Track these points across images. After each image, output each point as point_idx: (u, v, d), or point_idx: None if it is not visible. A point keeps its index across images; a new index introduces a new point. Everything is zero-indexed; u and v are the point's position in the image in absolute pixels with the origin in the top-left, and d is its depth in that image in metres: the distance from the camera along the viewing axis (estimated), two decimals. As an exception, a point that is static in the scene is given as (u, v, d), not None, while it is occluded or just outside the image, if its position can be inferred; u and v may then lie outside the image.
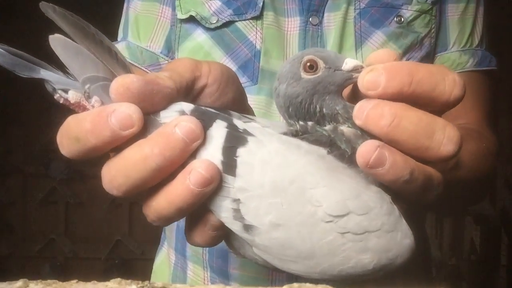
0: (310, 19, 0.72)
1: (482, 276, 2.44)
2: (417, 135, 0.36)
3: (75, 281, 0.31)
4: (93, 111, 0.37)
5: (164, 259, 0.82)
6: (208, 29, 0.71)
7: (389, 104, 0.36)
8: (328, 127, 0.39)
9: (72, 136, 0.37)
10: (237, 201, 0.38)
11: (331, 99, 0.39)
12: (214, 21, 0.71)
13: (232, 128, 0.38)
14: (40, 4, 0.37)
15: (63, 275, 2.90)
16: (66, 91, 0.39)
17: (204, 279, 0.74)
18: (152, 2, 0.74)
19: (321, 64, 0.39)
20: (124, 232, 2.95)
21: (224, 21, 0.70)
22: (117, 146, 0.37)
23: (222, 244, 0.43)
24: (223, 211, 0.38)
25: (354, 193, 0.37)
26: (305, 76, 0.39)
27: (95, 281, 0.31)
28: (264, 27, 0.70)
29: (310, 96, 0.39)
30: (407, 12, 0.73)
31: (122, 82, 0.36)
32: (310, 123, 0.39)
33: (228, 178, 0.37)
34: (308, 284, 0.30)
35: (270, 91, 0.69)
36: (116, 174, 0.37)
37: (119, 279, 0.31)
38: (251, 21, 0.70)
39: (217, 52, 0.71)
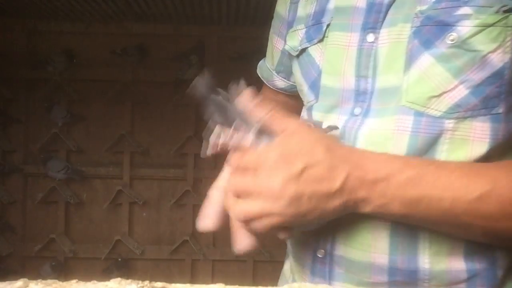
0: (367, 36, 0.71)
1: None
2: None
3: (75, 281, 0.32)
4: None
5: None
6: (294, 57, 0.83)
7: None
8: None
9: None
10: None
11: None
12: (296, 50, 0.82)
13: None
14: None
15: (63, 275, 2.90)
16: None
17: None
18: (272, 34, 0.95)
19: None
20: (124, 232, 2.95)
21: (301, 49, 0.81)
22: None
23: None
24: None
25: None
26: None
27: (95, 281, 0.31)
28: (327, 47, 0.77)
29: None
30: (463, 29, 0.63)
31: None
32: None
33: None
34: (308, 284, 0.30)
35: (325, 107, 0.76)
36: None
37: (119, 279, 0.31)
38: (317, 44, 0.79)
39: (300, 76, 0.83)
